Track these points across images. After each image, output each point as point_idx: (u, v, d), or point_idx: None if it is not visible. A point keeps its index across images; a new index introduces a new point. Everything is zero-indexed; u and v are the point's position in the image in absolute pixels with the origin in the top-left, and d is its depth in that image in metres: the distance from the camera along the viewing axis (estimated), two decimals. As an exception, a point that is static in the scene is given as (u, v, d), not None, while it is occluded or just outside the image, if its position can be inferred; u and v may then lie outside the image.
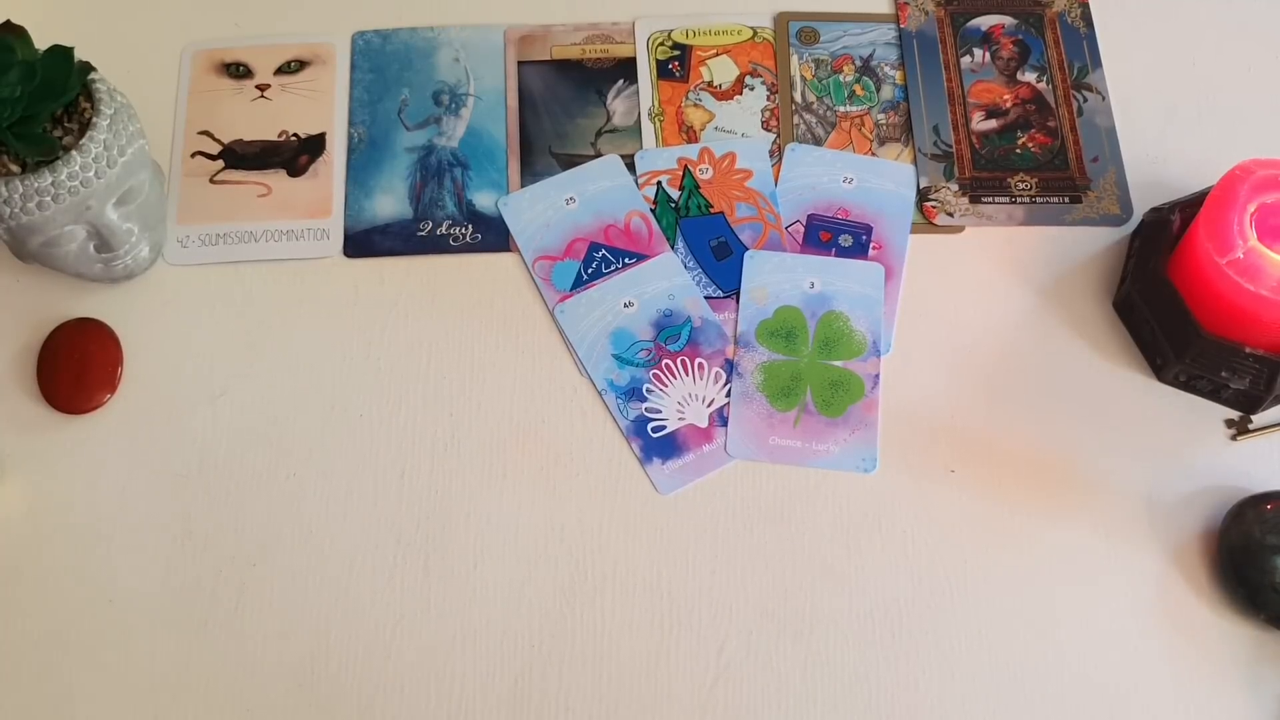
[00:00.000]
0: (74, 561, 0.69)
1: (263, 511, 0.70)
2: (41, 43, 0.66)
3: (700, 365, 0.73)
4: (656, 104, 0.81)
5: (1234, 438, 0.71)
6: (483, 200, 0.78)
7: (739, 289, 0.75)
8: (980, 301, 0.75)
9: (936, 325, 0.74)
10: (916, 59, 0.82)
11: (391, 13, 0.84)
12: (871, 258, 0.76)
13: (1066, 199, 0.78)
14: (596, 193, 0.78)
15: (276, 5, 0.84)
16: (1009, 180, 0.78)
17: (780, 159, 0.79)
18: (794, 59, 0.82)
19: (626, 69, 0.82)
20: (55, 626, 0.67)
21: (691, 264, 0.76)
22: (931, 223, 0.77)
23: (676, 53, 0.82)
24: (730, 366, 0.73)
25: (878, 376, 0.72)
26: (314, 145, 0.79)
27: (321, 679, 0.66)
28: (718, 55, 0.82)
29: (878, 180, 0.78)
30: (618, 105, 0.81)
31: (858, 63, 0.82)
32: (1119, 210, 0.77)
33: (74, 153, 0.65)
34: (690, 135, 0.80)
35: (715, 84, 0.81)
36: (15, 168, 0.66)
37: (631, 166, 0.79)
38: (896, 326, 0.74)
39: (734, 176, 0.78)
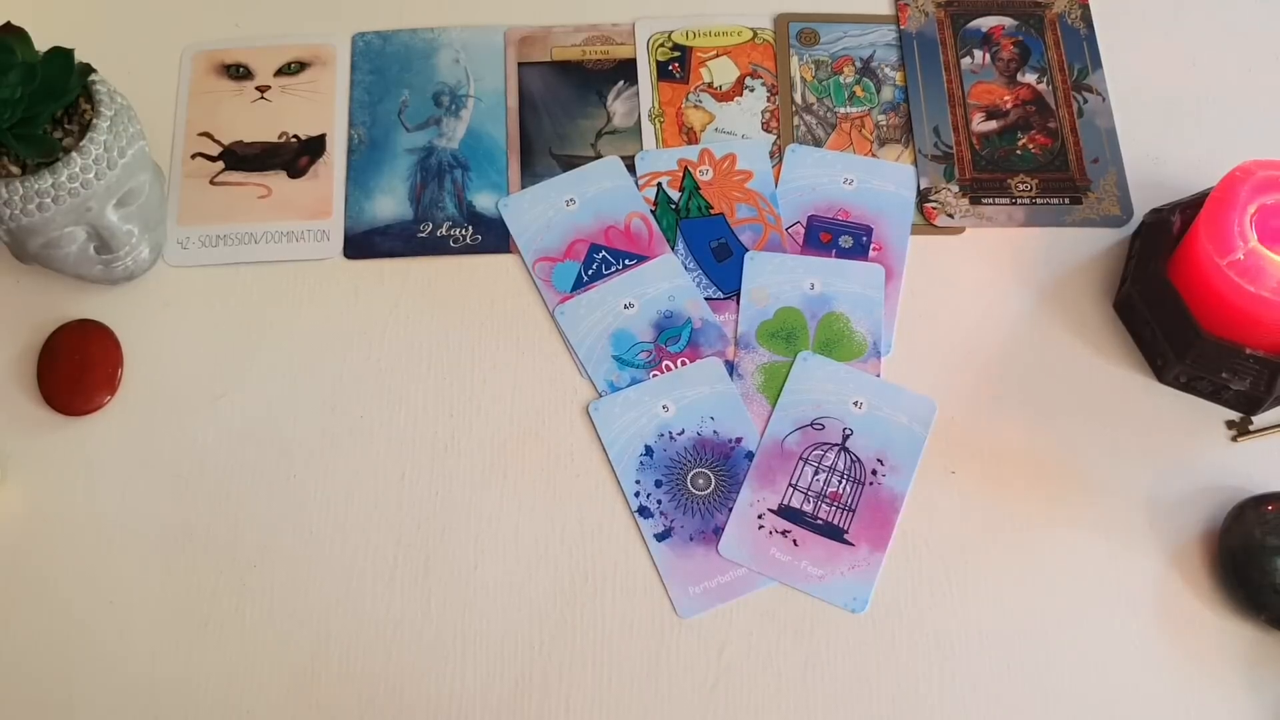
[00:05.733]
0: (74, 562, 0.69)
1: (263, 512, 0.70)
2: (42, 44, 0.66)
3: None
4: (657, 105, 0.81)
5: (1234, 439, 0.71)
6: (483, 201, 0.78)
7: (739, 290, 0.75)
8: (980, 302, 0.75)
9: (937, 326, 0.74)
10: (917, 60, 0.82)
11: (391, 14, 0.84)
12: (872, 259, 0.76)
13: (1067, 200, 0.78)
14: (597, 194, 0.78)
15: (277, 6, 0.84)
16: (1009, 181, 0.78)
17: (780, 160, 0.79)
18: (794, 60, 0.82)
19: (627, 70, 0.82)
20: (55, 626, 0.67)
21: (692, 265, 0.76)
22: (932, 224, 0.77)
23: (677, 54, 0.82)
24: (730, 367, 0.73)
25: (878, 377, 0.72)
26: (314, 146, 0.80)
27: (321, 680, 0.66)
28: (718, 56, 0.82)
29: (878, 181, 0.78)
30: (618, 106, 0.81)
31: (858, 64, 0.82)
32: (1119, 211, 0.77)
33: (74, 154, 0.65)
34: (690, 136, 0.80)
35: (715, 85, 0.81)
36: (15, 169, 0.66)
37: (632, 168, 0.79)
38: (897, 327, 0.74)
39: (734, 178, 0.78)
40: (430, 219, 0.77)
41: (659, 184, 0.78)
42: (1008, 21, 0.83)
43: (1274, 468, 0.70)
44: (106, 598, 0.68)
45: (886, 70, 0.82)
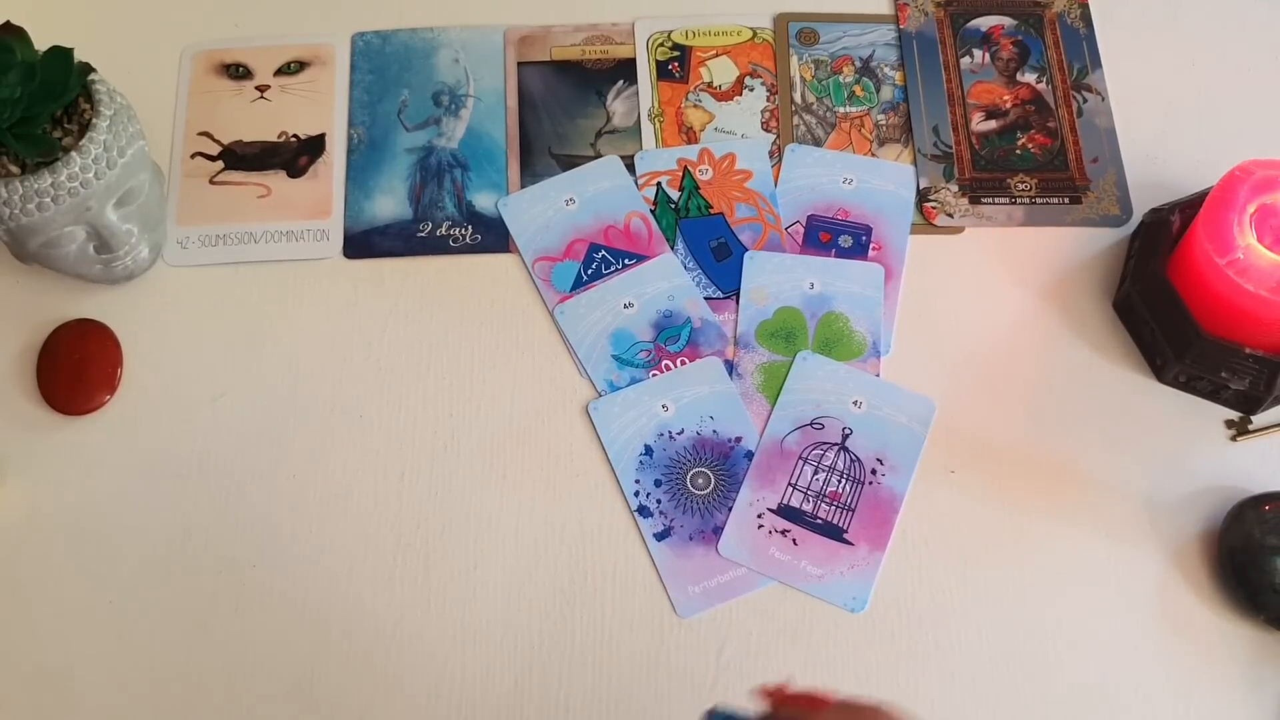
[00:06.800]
0: (74, 562, 0.69)
1: (262, 512, 0.70)
2: (41, 43, 0.66)
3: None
4: (656, 105, 0.81)
5: (1234, 438, 0.71)
6: (482, 201, 0.78)
7: (739, 290, 0.75)
8: (980, 302, 0.75)
9: (936, 325, 0.74)
10: (916, 60, 0.82)
11: (391, 13, 0.84)
12: (871, 258, 0.76)
13: (1066, 199, 0.78)
14: (596, 193, 0.78)
15: (276, 6, 0.84)
16: (1009, 181, 0.78)
17: (780, 160, 0.79)
18: (794, 60, 0.82)
19: (626, 70, 0.82)
20: (55, 626, 0.67)
21: (691, 265, 0.76)
22: (931, 223, 0.77)
23: (676, 53, 0.82)
24: (730, 367, 0.73)
25: (878, 377, 0.72)
26: (314, 146, 0.80)
27: (321, 680, 0.66)
28: (717, 56, 0.82)
29: (877, 181, 0.78)
30: (617, 106, 0.81)
31: (857, 63, 0.82)
32: (1119, 211, 0.77)
33: (74, 154, 0.65)
34: (690, 136, 0.80)
35: (715, 85, 0.81)
36: (15, 169, 0.66)
37: (631, 167, 0.79)
38: (896, 327, 0.74)
39: (734, 177, 0.78)
40: (430, 219, 0.77)
41: (658, 183, 0.78)
42: (1007, 21, 0.83)
43: (1273, 467, 0.70)
44: (106, 598, 0.68)
45: (886, 70, 0.82)
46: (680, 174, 0.78)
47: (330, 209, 0.78)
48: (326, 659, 0.66)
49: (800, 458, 0.70)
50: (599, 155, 0.79)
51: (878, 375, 0.72)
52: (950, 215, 0.77)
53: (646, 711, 0.65)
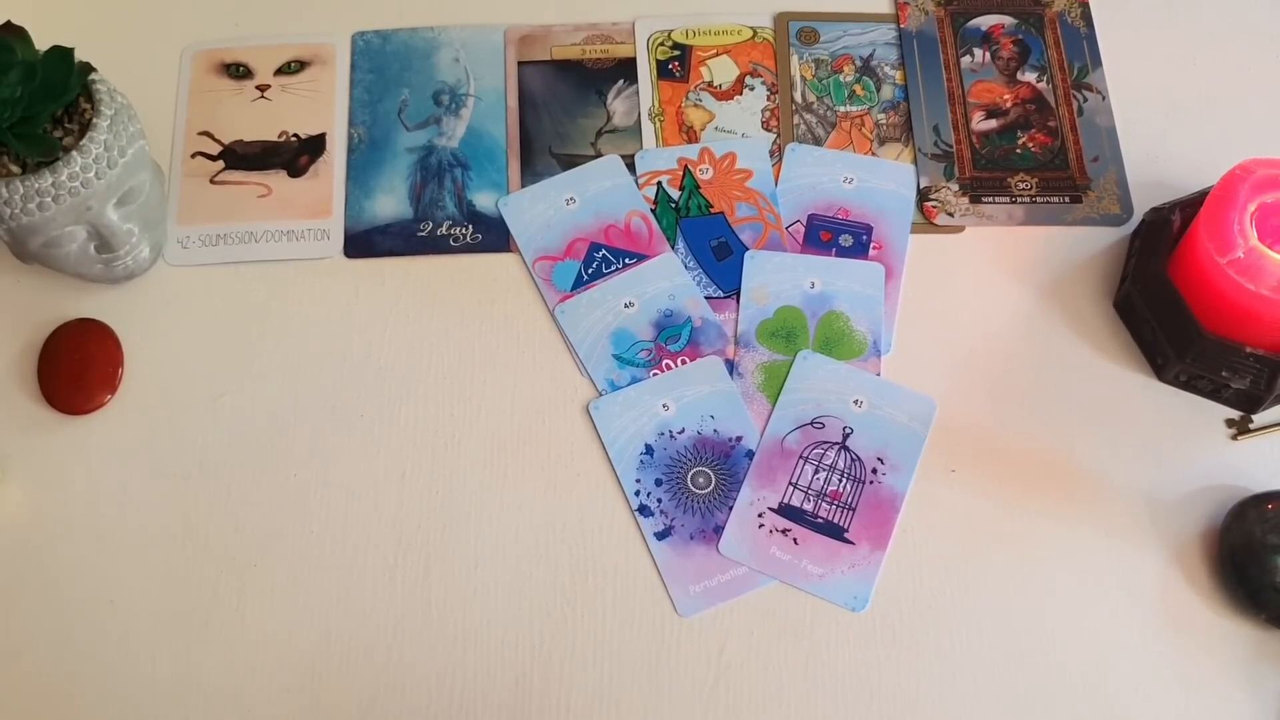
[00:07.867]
0: (74, 562, 0.69)
1: (263, 512, 0.70)
2: (42, 43, 0.66)
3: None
4: (656, 104, 0.81)
5: (1234, 437, 0.71)
6: (483, 200, 0.78)
7: (739, 289, 0.75)
8: (980, 301, 0.75)
9: (937, 325, 0.74)
10: (916, 59, 0.82)
11: (391, 13, 0.84)
12: (872, 258, 0.76)
13: (1067, 199, 0.78)
14: (597, 193, 0.78)
15: (276, 5, 0.84)
16: (1009, 180, 0.78)
17: (780, 159, 0.79)
18: (794, 59, 0.82)
19: (626, 69, 0.82)
20: (55, 626, 0.67)
21: (692, 264, 0.76)
22: (932, 222, 0.77)
23: (676, 53, 0.82)
24: (730, 366, 0.73)
25: (878, 376, 0.72)
26: (314, 145, 0.80)
27: (322, 679, 0.66)
28: (718, 55, 0.82)
29: (878, 180, 0.78)
30: (618, 105, 0.81)
31: (858, 63, 0.82)
32: (1119, 210, 0.77)
33: (74, 153, 0.65)
34: (690, 135, 0.80)
35: (715, 84, 0.81)
36: (16, 168, 0.66)
37: (632, 166, 0.79)
38: (897, 326, 0.74)
39: (734, 176, 0.78)
40: (430, 218, 0.77)
41: (659, 183, 0.78)
42: (1007, 20, 0.83)
43: (1274, 466, 0.70)
44: (106, 598, 0.68)
45: (886, 69, 0.82)
46: (681, 173, 0.78)
47: (331, 208, 0.78)
48: (327, 658, 0.66)
49: (801, 457, 0.70)
50: (599, 154, 0.79)
51: (878, 374, 0.72)
52: (951, 214, 0.77)
53: (647, 711, 0.65)
